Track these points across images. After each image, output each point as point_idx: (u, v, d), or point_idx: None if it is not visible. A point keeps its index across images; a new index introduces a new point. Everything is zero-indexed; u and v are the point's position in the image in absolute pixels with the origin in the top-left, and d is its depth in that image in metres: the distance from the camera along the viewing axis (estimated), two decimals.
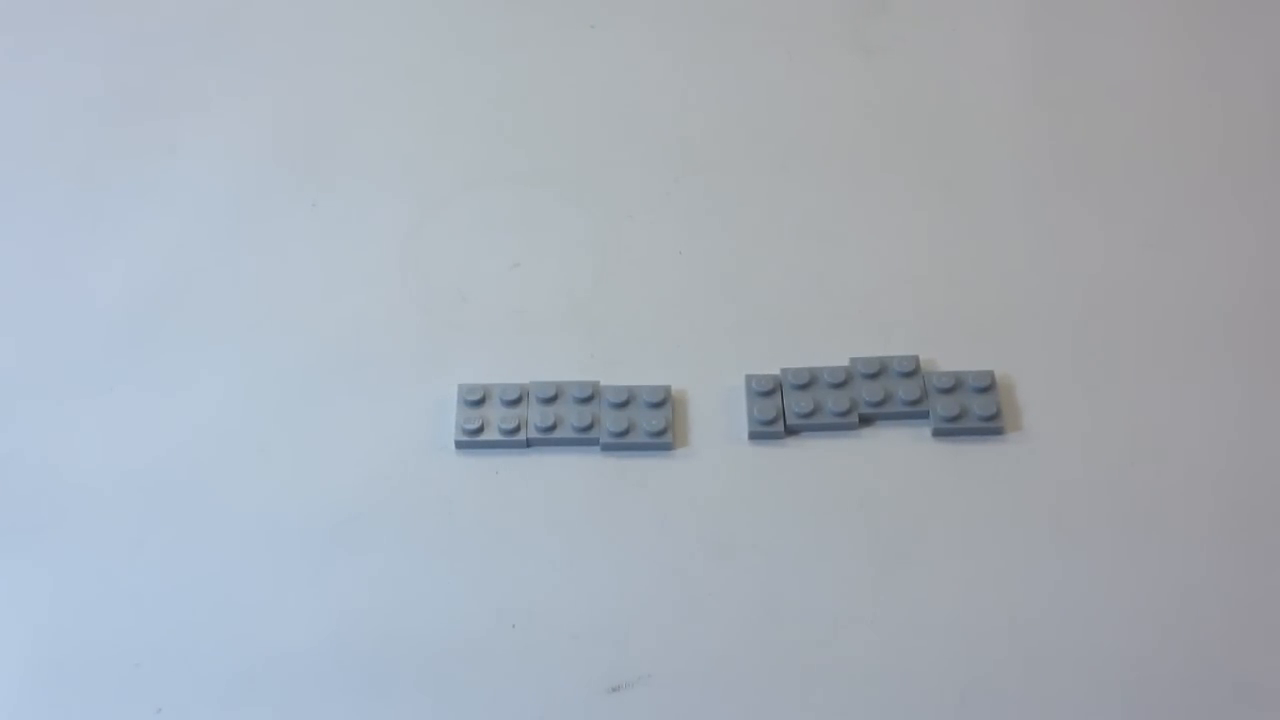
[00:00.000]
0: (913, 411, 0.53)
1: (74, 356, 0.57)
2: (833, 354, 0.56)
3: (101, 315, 0.58)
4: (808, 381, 0.54)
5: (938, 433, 0.53)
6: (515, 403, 0.54)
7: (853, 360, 0.55)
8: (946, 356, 0.55)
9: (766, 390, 0.54)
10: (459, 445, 0.54)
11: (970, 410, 0.53)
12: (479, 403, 0.54)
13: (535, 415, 0.54)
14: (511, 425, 0.54)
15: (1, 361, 0.57)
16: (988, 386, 0.54)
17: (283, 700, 0.48)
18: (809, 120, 0.66)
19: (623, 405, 0.54)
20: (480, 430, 0.54)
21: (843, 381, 0.54)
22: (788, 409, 0.54)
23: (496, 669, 0.48)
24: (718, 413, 0.55)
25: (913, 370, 0.54)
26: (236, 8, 0.72)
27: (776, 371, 0.55)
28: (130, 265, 0.60)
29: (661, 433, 0.53)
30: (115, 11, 0.72)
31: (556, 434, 0.54)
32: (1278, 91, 0.66)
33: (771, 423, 0.53)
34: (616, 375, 0.56)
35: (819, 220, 0.61)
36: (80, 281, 0.60)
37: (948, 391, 0.54)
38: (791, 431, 0.54)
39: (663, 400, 0.54)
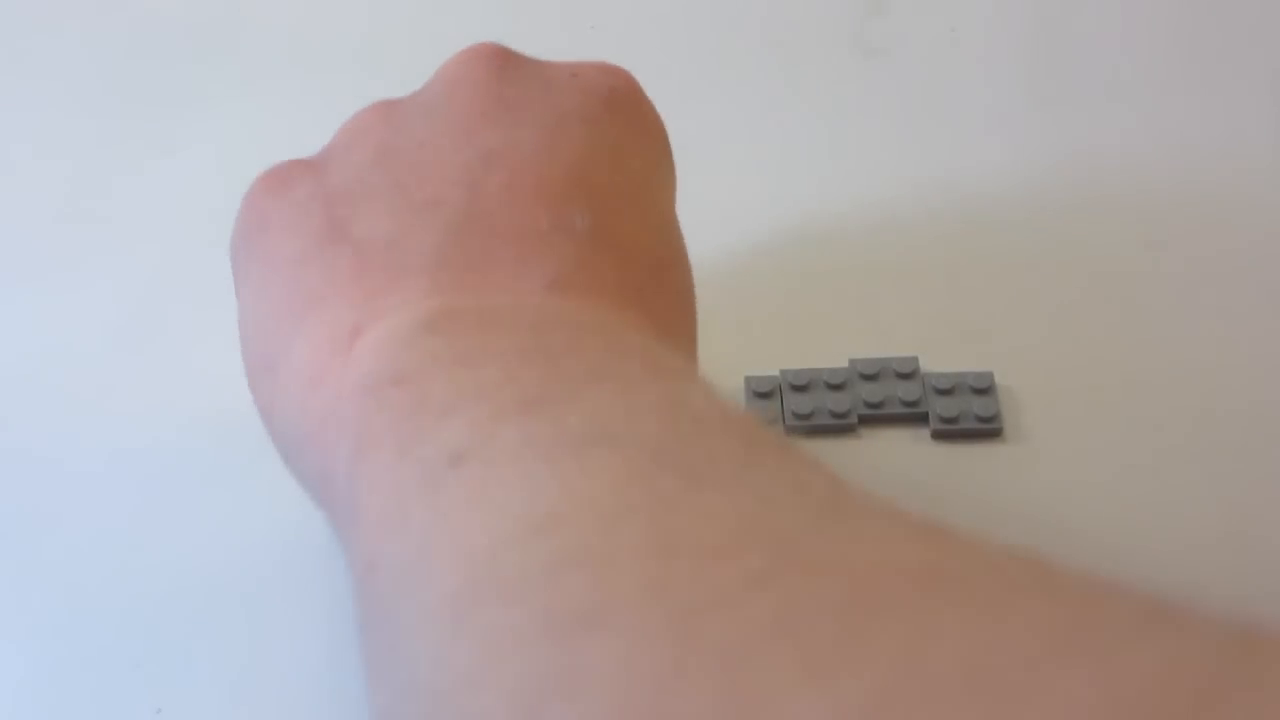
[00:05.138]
0: (912, 413, 0.53)
1: (71, 359, 0.57)
2: (832, 355, 0.56)
3: (100, 316, 0.59)
4: (807, 383, 0.54)
5: (937, 434, 0.53)
6: None
7: (852, 361, 0.55)
8: (946, 358, 0.55)
9: (765, 391, 0.54)
10: None
11: (969, 412, 0.53)
12: None
13: None
14: None
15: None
16: (987, 388, 0.54)
17: (283, 700, 0.48)
18: (808, 120, 0.66)
19: None
20: None
21: (842, 383, 0.54)
22: (786, 410, 0.54)
23: None
24: None
25: (912, 371, 0.54)
26: (236, 8, 0.72)
27: (776, 372, 0.55)
28: (128, 267, 0.60)
29: None
30: (115, 11, 0.72)
31: None
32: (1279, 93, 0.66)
33: (770, 424, 0.53)
34: None
35: (819, 220, 0.61)
36: (78, 283, 0.60)
37: (947, 393, 0.54)
38: (790, 433, 0.54)
39: None
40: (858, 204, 0.62)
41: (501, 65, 0.45)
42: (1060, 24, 0.70)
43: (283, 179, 0.45)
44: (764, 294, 0.59)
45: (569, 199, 0.41)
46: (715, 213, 0.63)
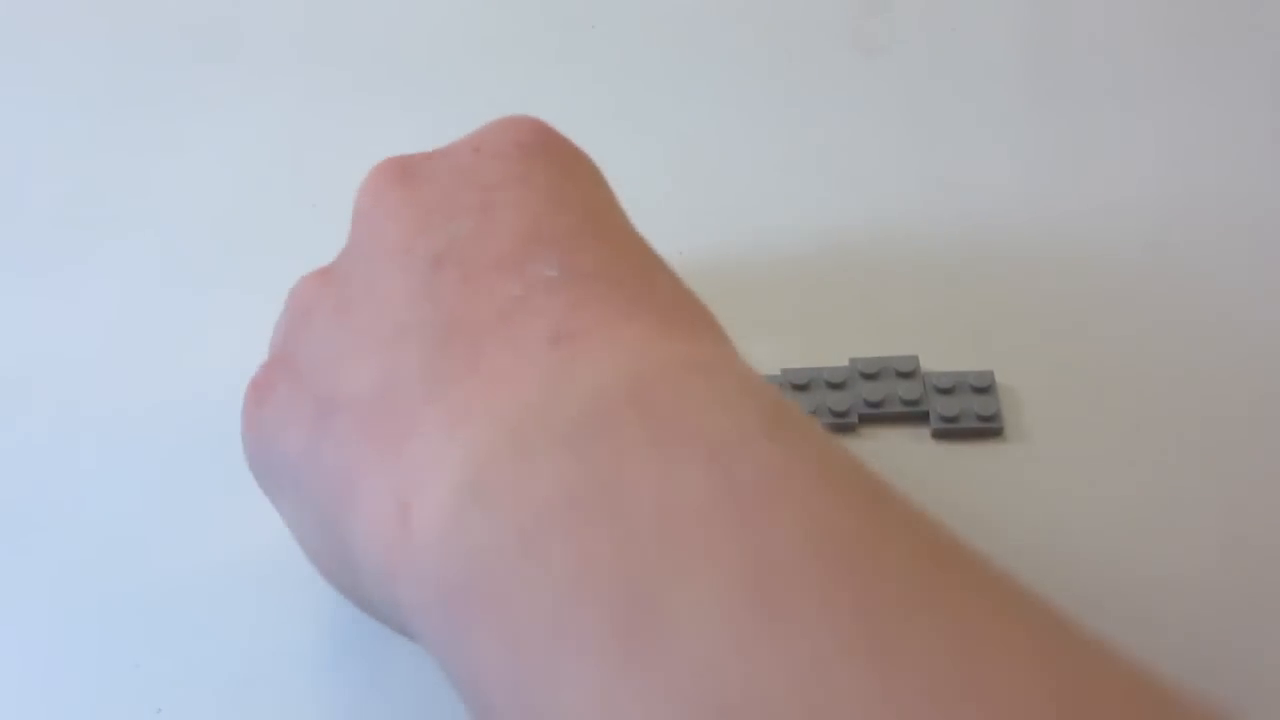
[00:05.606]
0: (912, 412, 0.53)
1: (70, 360, 0.57)
2: (833, 353, 0.56)
3: (98, 319, 0.59)
4: (807, 382, 0.54)
5: (937, 433, 0.53)
6: None
7: (852, 360, 0.55)
8: (947, 357, 0.55)
9: None
10: None
11: (970, 411, 0.53)
12: None
13: None
14: None
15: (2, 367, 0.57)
16: (988, 387, 0.54)
17: (284, 700, 0.48)
18: (808, 119, 0.66)
19: None
20: None
21: (842, 382, 0.54)
22: None
23: None
24: None
25: (912, 370, 0.54)
26: (236, 8, 0.72)
27: (777, 372, 0.55)
28: (126, 270, 0.60)
29: None
30: (115, 11, 0.72)
31: None
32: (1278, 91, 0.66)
33: None
34: None
35: (819, 219, 0.61)
36: (76, 285, 0.60)
37: (947, 392, 0.54)
38: None
39: None
40: (858, 203, 0.62)
41: (403, 176, 0.44)
42: (1060, 24, 0.70)
43: (263, 388, 0.43)
44: (764, 293, 0.58)
45: (530, 258, 0.40)
46: (715, 212, 0.63)
